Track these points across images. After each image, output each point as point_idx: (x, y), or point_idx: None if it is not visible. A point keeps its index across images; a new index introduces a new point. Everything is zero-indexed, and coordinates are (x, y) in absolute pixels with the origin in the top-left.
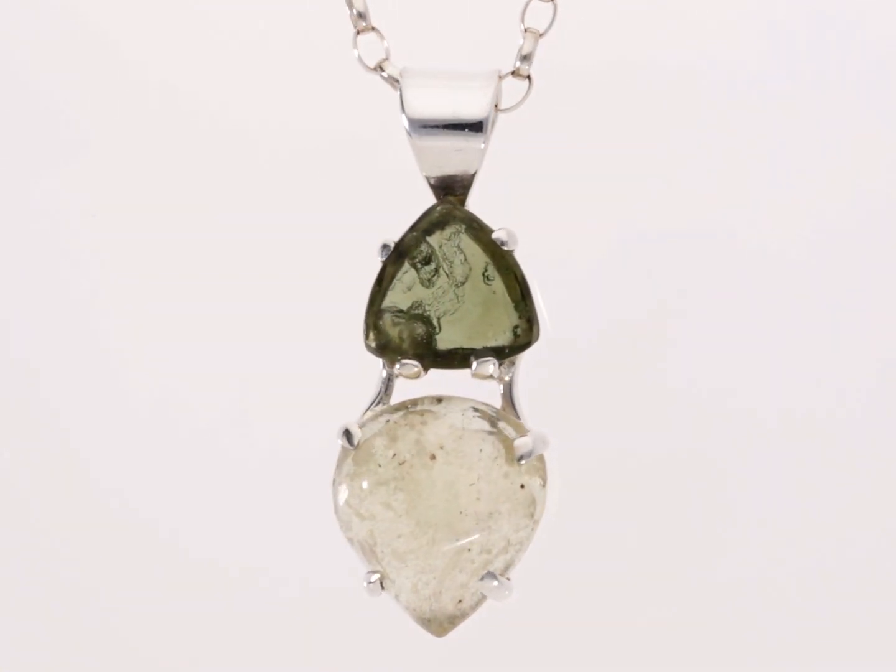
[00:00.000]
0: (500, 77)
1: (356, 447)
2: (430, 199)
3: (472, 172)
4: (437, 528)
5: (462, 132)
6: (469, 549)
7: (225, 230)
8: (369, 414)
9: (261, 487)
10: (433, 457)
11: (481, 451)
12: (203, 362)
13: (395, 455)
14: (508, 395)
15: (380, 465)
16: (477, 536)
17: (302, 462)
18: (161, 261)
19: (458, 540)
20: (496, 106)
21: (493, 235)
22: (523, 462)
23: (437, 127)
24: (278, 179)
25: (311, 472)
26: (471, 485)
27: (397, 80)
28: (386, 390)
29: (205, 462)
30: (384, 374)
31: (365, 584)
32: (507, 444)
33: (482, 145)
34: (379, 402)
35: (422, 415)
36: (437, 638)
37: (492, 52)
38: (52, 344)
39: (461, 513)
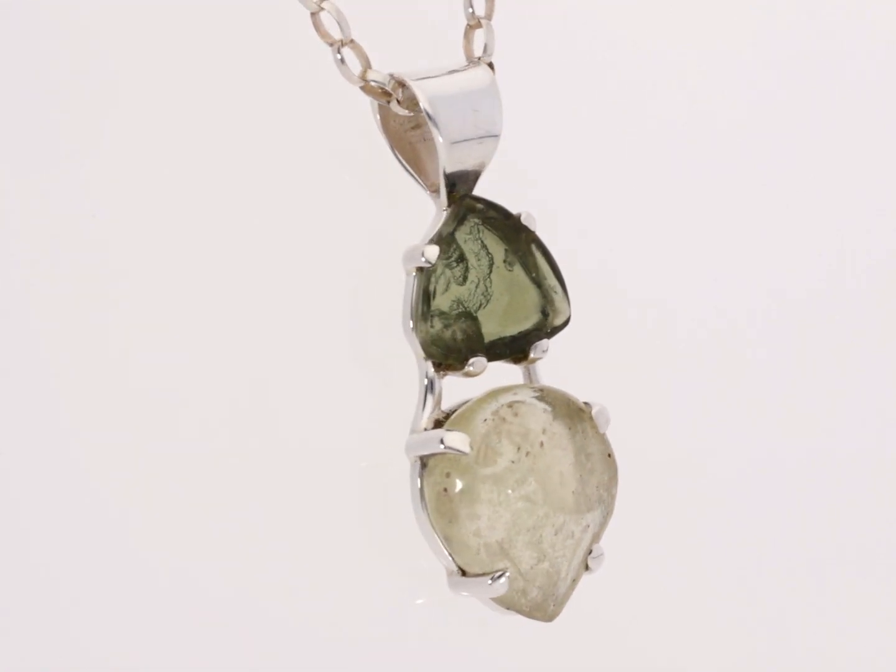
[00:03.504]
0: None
1: (471, 450)
2: (425, 199)
3: (486, 164)
4: (564, 511)
5: (484, 126)
6: (588, 527)
7: (232, 234)
8: (426, 419)
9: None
10: (542, 444)
11: (570, 429)
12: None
13: (519, 448)
14: (536, 377)
15: (512, 462)
16: (593, 513)
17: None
18: (165, 263)
19: (583, 520)
20: None
21: (522, 220)
22: (604, 432)
23: (462, 124)
24: (278, 183)
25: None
26: (572, 464)
27: (383, 85)
28: (432, 393)
29: (206, 465)
30: (426, 379)
31: (488, 582)
32: (585, 418)
33: (499, 135)
34: (434, 407)
35: (510, 406)
36: (548, 623)
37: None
38: (59, 342)
39: (573, 492)
